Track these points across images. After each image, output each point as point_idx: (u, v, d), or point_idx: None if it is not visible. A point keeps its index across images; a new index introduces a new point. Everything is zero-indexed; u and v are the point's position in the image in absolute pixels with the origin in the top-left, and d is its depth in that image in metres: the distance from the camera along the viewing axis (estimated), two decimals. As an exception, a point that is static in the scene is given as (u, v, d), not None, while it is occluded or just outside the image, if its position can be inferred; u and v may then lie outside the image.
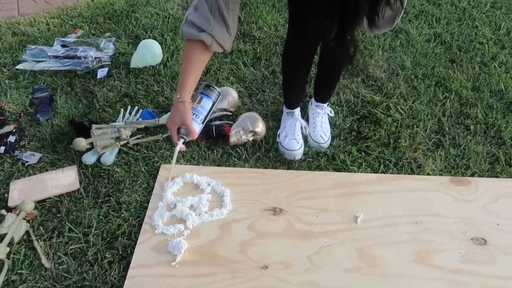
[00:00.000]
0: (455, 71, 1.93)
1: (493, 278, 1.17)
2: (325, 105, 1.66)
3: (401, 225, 1.31)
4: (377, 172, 1.49)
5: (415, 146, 1.58)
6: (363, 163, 1.52)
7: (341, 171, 1.49)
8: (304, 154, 1.56)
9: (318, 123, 1.62)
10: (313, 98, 1.69)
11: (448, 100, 1.78)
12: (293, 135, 1.56)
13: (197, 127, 1.19)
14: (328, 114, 1.67)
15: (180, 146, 1.19)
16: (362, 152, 1.56)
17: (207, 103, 1.22)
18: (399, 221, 1.32)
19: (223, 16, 1.06)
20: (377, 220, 1.32)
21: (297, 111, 1.64)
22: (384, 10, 0.91)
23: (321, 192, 1.40)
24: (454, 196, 1.39)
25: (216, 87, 1.25)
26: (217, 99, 1.27)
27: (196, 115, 1.19)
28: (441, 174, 1.49)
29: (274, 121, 1.69)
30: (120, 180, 1.44)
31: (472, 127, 1.66)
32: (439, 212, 1.34)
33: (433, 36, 2.16)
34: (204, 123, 1.23)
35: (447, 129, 1.66)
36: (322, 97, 1.64)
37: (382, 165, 1.51)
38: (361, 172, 1.48)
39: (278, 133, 1.60)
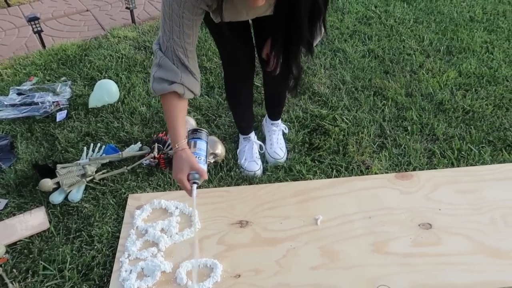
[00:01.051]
0: (390, 80, 2.15)
1: (440, 256, 1.31)
2: (279, 121, 1.80)
3: (357, 221, 1.44)
4: (330, 177, 1.63)
5: (362, 150, 1.74)
6: (317, 171, 1.65)
7: (299, 180, 1.61)
8: (264, 169, 1.68)
9: (274, 140, 1.75)
10: (266, 116, 1.83)
11: (386, 107, 1.98)
12: (251, 158, 1.68)
13: (204, 168, 1.20)
14: (282, 131, 1.81)
15: (195, 192, 1.18)
16: (316, 161, 1.70)
17: (202, 144, 1.26)
18: (354, 218, 1.45)
19: (185, 65, 1.15)
20: (335, 219, 1.44)
21: (252, 135, 1.76)
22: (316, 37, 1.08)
23: (282, 201, 1.52)
24: (400, 189, 1.55)
25: (202, 128, 1.30)
26: (207, 138, 1.31)
27: (198, 158, 1.21)
28: (387, 172, 1.65)
29: (232, 142, 1.81)
30: (89, 215, 1.49)
31: (409, 128, 1.85)
32: (389, 206, 1.49)
33: (367, 52, 2.39)
34: (206, 164, 1.26)
35: (388, 132, 1.84)
36: (274, 115, 1.79)
37: (335, 171, 1.66)
38: (317, 179, 1.62)
39: (238, 155, 1.72)
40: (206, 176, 1.19)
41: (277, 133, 1.77)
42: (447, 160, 1.69)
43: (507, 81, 2.14)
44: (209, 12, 1.16)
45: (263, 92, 1.83)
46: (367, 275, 1.27)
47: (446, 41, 2.48)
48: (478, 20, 2.70)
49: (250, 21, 1.41)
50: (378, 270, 1.28)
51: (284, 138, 1.80)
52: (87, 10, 2.99)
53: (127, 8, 2.68)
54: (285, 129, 1.83)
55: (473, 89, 2.08)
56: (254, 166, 1.66)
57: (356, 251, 1.34)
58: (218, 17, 1.14)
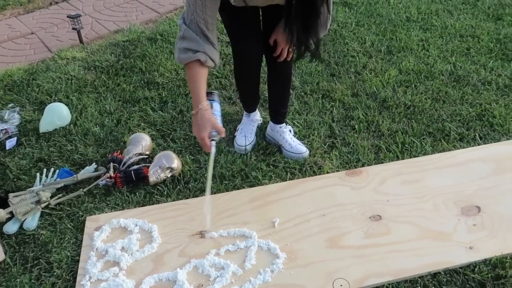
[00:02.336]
0: (336, 82, 2.26)
1: (390, 245, 1.40)
2: (284, 124, 1.86)
3: (312, 219, 1.50)
4: (285, 180, 1.69)
5: (313, 152, 1.82)
6: (272, 175, 1.71)
7: (255, 186, 1.67)
8: (220, 177, 1.71)
9: (289, 139, 1.82)
10: (270, 123, 1.88)
11: (334, 108, 2.07)
12: (244, 133, 1.84)
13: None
14: (290, 132, 1.87)
15: (214, 148, 1.34)
16: (271, 166, 1.76)
17: (216, 105, 1.43)
18: (310, 216, 1.52)
19: (206, 36, 1.30)
20: (291, 220, 1.51)
21: (253, 114, 1.88)
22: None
23: (240, 207, 1.56)
24: (351, 186, 1.64)
25: (214, 90, 1.44)
26: (219, 99, 1.46)
27: (216, 118, 1.37)
28: (338, 170, 1.73)
29: (190, 155, 1.83)
30: (46, 241, 1.47)
31: (356, 127, 1.95)
32: (341, 202, 1.57)
33: (314, 57, 2.49)
34: (222, 122, 1.42)
35: (337, 132, 1.93)
36: (279, 118, 1.84)
37: (289, 173, 1.72)
38: (272, 183, 1.67)
39: (236, 129, 1.90)
40: (224, 134, 1.37)
41: (288, 133, 1.84)
42: (392, 153, 1.80)
43: (443, 75, 2.30)
44: None
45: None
46: (324, 270, 1.33)
47: (386, 41, 2.63)
48: (414, 19, 2.88)
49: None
50: (334, 264, 1.35)
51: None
52: (32, 33, 2.93)
53: (73, 29, 2.65)
54: (291, 131, 1.88)
55: (413, 85, 2.23)
56: (243, 140, 1.81)
57: (313, 248, 1.40)
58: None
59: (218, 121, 1.38)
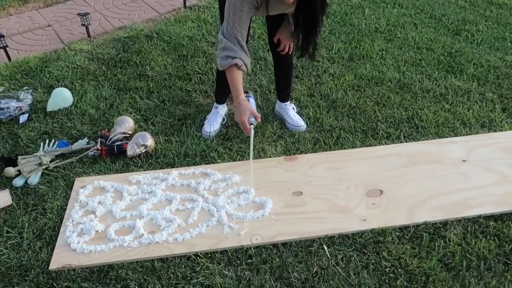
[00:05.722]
0: (297, 84, 2.65)
1: (302, 214, 1.80)
2: (289, 102, 2.34)
3: (248, 191, 1.92)
4: (235, 161, 2.10)
5: (264, 139, 2.23)
6: (226, 157, 2.13)
7: (210, 164, 2.09)
8: (185, 155, 2.14)
9: (292, 114, 2.30)
10: (278, 102, 2.36)
11: (290, 105, 2.47)
12: (210, 122, 2.26)
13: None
14: (293, 109, 2.34)
15: (252, 130, 1.82)
16: (226, 149, 2.18)
17: (252, 100, 1.95)
18: (248, 189, 1.93)
19: (241, 46, 1.73)
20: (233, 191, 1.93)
21: (221, 106, 2.31)
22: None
23: (194, 179, 1.99)
24: (285, 168, 2.04)
25: (248, 90, 1.92)
26: (254, 96, 2.10)
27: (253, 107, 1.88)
28: (279, 156, 2.13)
29: (164, 135, 2.26)
30: (44, 194, 1.93)
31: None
32: (274, 180, 1.98)
33: (284, 60, 2.88)
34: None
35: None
36: (284, 97, 2.34)
37: (239, 156, 2.13)
38: (224, 163, 2.09)
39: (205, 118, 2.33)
40: (260, 120, 1.85)
41: (291, 110, 2.32)
42: (327, 146, 2.19)
43: (390, 82, 2.66)
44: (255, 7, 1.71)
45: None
46: (247, 227, 1.75)
47: (350, 49, 2.99)
48: (381, 31, 3.22)
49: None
50: (255, 224, 1.76)
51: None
52: (49, 26, 3.40)
53: (82, 25, 3.10)
54: (294, 109, 2.35)
55: (362, 89, 2.60)
56: (209, 127, 2.23)
57: (243, 212, 1.82)
58: (265, 10, 1.71)
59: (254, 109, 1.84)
